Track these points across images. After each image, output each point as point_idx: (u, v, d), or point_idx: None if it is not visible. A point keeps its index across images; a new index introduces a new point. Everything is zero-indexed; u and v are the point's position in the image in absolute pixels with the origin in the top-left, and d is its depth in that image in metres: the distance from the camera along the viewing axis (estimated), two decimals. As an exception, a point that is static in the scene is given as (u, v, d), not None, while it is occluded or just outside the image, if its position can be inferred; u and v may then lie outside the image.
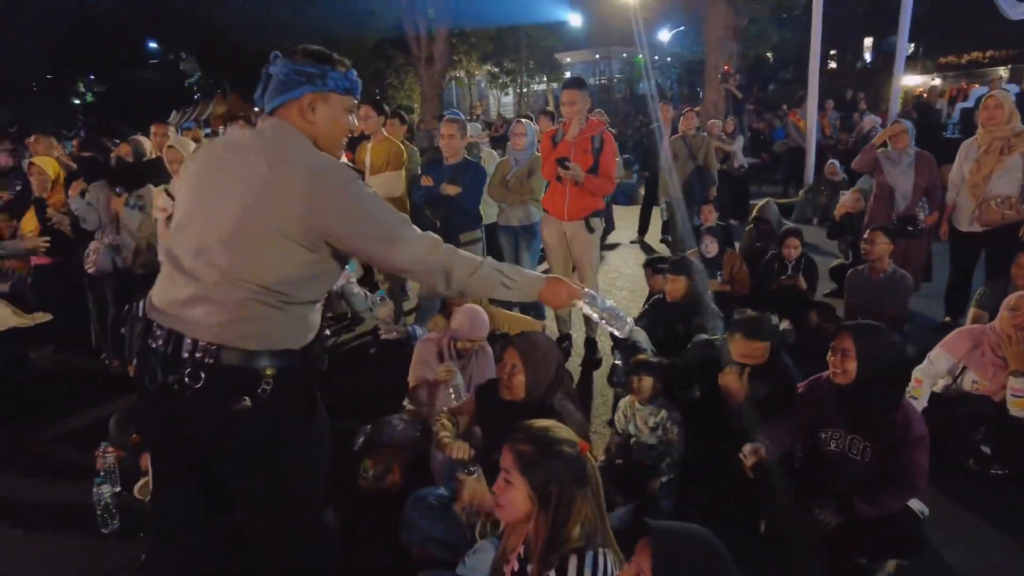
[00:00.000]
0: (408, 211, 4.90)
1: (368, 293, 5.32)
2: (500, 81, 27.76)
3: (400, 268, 1.83)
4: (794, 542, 2.63)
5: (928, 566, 2.55)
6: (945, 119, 12.71)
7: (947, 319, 5.06)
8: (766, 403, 2.88)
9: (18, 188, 6.50)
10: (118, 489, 2.99)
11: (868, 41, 31.62)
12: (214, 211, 1.70)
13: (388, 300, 5.14)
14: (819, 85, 10.17)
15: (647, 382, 3.14)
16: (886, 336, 2.56)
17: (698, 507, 2.90)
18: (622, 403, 3.28)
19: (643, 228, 8.84)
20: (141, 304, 1.85)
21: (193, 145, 4.26)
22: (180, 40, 25.84)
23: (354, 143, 5.46)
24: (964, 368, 3.30)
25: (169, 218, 3.53)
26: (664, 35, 27.37)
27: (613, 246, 8.64)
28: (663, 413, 3.08)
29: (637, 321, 4.15)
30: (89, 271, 4.44)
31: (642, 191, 9.19)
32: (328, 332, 5.30)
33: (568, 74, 32.37)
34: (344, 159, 2.54)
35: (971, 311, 4.32)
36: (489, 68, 26.45)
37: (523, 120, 5.25)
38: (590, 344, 4.67)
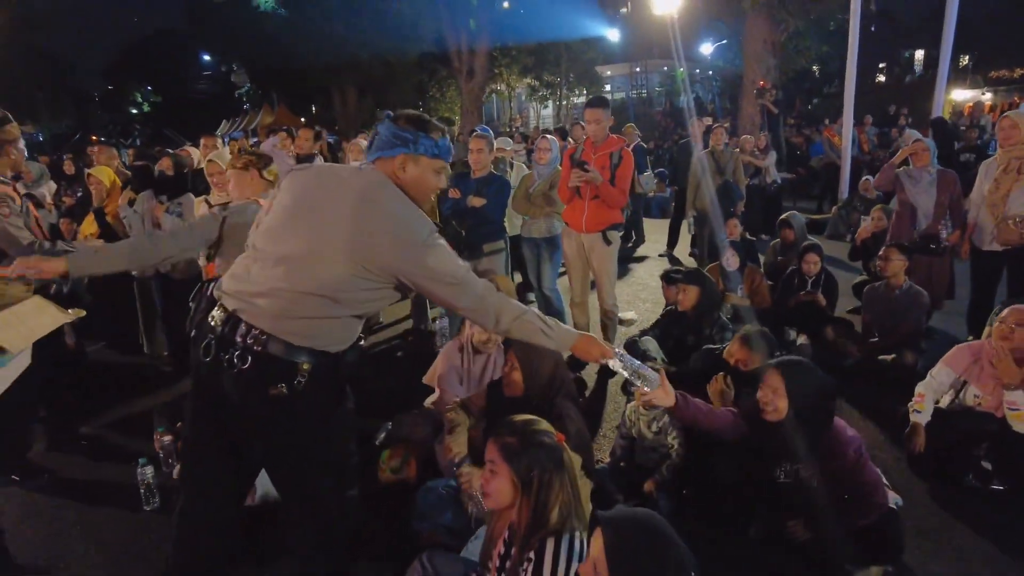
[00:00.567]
0: (436, 221, 5.13)
1: None
2: (540, 94, 28.05)
3: (461, 309, 2.05)
4: (784, 544, 2.76)
5: (910, 570, 2.64)
6: (988, 136, 12.44)
7: (970, 337, 5.05)
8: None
9: (79, 194, 7.00)
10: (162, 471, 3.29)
11: (919, 54, 30.99)
12: (304, 228, 1.93)
13: None
14: (865, 99, 10.08)
15: (652, 389, 3.29)
16: (813, 373, 2.64)
17: (694, 508, 3.04)
18: (628, 408, 3.43)
19: (672, 241, 8.93)
20: (211, 285, 2.09)
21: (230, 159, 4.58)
22: (233, 53, 26.77)
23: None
24: (965, 383, 3.37)
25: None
26: (706, 48, 27.33)
27: (642, 259, 8.76)
28: (665, 418, 3.23)
29: (649, 331, 4.31)
30: (134, 274, 4.81)
31: (674, 205, 9.31)
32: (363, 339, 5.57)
33: (608, 87, 32.62)
34: None
35: (987, 329, 4.34)
36: (529, 81, 26.79)
37: (548, 136, 5.46)
38: (607, 353, 4.82)
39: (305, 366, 1.93)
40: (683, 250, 8.78)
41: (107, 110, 42.30)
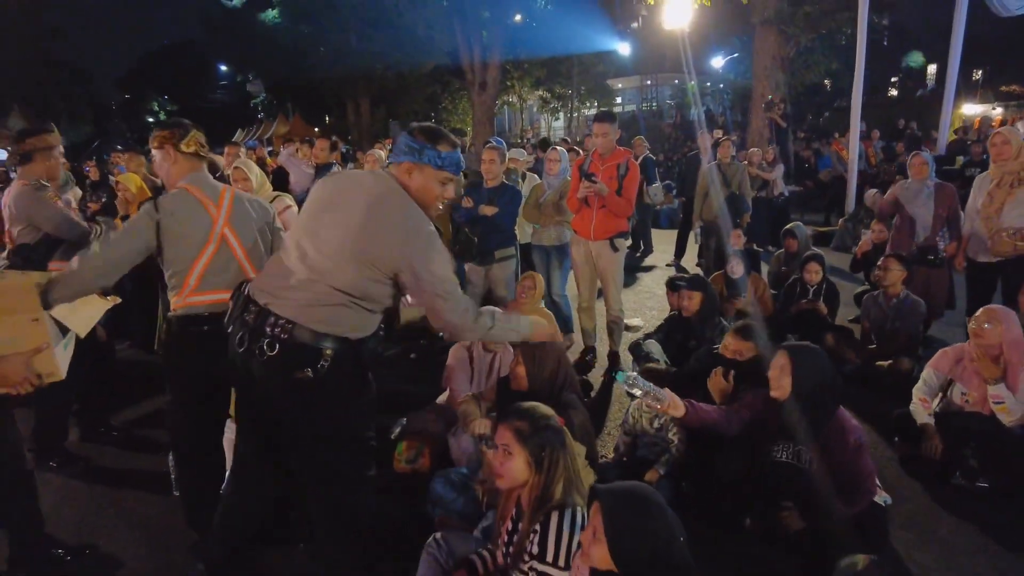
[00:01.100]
0: (449, 229, 5.33)
1: None
2: (551, 106, 28.32)
3: (440, 319, 2.24)
4: (776, 538, 2.91)
5: (897, 564, 2.79)
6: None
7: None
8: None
9: (103, 200, 7.26)
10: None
11: (932, 68, 31.05)
12: (328, 225, 2.17)
13: None
14: (876, 113, 10.20)
15: (655, 389, 3.47)
16: (819, 357, 2.84)
17: (691, 502, 3.19)
18: (631, 406, 3.61)
19: (679, 252, 9.11)
20: (246, 287, 2.29)
21: (257, 169, 4.77)
22: (249, 64, 27.21)
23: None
24: (952, 382, 3.57)
25: None
26: (718, 61, 27.55)
27: (649, 268, 8.94)
28: (666, 416, 3.40)
29: (653, 335, 4.48)
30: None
31: (682, 216, 9.49)
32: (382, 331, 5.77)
33: (619, 99, 32.88)
34: None
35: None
36: (541, 93, 27.08)
37: (558, 148, 5.67)
38: (612, 357, 5.00)
39: (328, 351, 2.11)
40: (690, 260, 8.95)
41: (124, 118, 43.02)
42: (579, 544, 1.90)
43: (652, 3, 14.93)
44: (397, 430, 3.81)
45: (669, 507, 1.73)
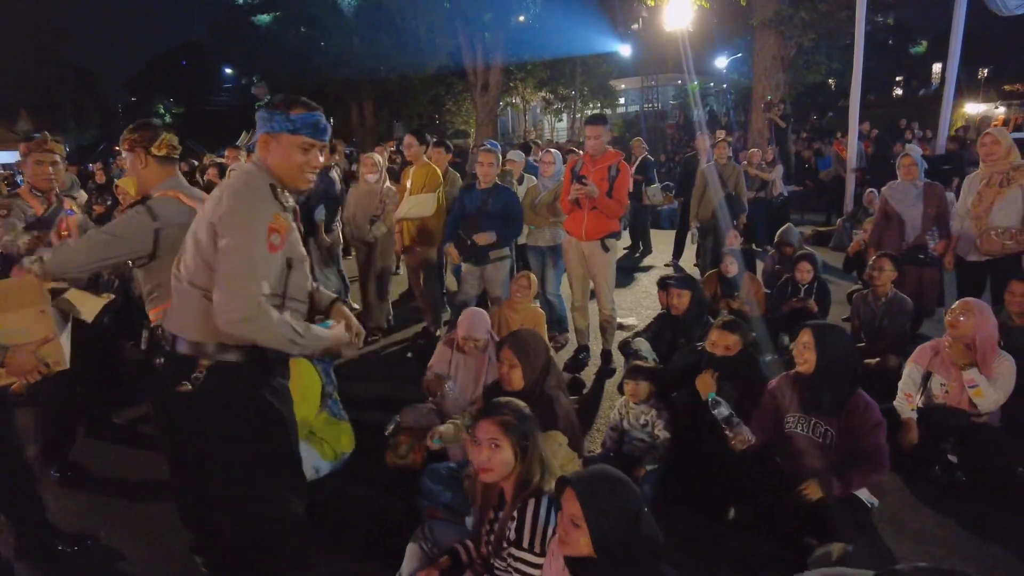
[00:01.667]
0: (440, 229, 5.41)
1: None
2: (554, 107, 28.39)
3: (218, 312, 1.87)
4: (758, 527, 3.00)
5: (871, 551, 2.87)
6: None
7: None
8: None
9: (108, 203, 7.39)
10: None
11: (937, 68, 31.03)
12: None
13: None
14: (879, 112, 10.22)
15: (643, 385, 3.56)
16: (841, 335, 3.07)
17: (676, 495, 3.28)
18: (619, 402, 3.69)
19: (677, 252, 9.17)
20: None
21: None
22: (253, 67, 27.39)
23: (401, 168, 6.04)
24: (930, 374, 3.67)
25: None
26: (721, 62, 27.58)
27: (647, 268, 9.01)
28: (652, 412, 3.49)
29: (643, 333, 4.56)
30: None
31: (680, 216, 9.56)
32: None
33: (622, 100, 32.93)
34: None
35: None
36: (544, 95, 27.15)
37: (552, 150, 5.76)
38: (605, 355, 5.09)
39: (204, 361, 1.97)
40: (689, 260, 9.01)
41: (131, 121, 43.13)
42: (554, 531, 1.99)
43: (652, 4, 15.00)
44: (391, 426, 3.90)
45: (628, 479, 1.83)
